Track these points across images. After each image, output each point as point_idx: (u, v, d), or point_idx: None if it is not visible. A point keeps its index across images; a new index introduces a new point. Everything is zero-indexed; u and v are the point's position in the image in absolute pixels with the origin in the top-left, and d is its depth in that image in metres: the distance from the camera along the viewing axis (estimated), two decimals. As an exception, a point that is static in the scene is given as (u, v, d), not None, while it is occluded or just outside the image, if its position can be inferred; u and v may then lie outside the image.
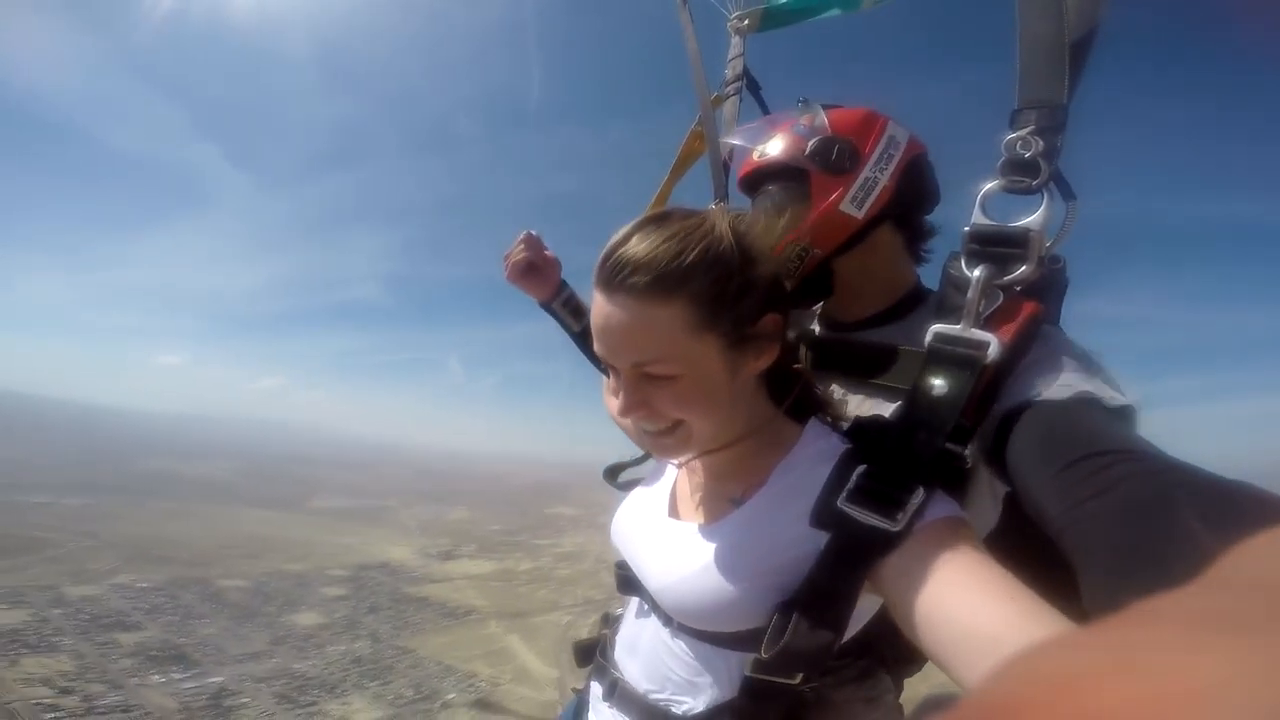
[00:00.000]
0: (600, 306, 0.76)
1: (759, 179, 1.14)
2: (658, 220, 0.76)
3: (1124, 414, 0.72)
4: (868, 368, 0.97)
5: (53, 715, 28.86)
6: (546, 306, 1.40)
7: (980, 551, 0.64)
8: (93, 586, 53.15)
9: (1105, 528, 0.55)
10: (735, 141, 1.26)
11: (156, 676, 35.88)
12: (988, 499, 0.90)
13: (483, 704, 39.72)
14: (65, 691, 31.62)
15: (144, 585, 55.65)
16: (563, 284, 1.39)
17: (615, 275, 0.73)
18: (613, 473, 1.22)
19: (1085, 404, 0.71)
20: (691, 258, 0.71)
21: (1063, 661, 0.18)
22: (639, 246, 0.73)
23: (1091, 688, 0.16)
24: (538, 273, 1.35)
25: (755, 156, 1.12)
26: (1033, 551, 0.64)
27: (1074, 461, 0.63)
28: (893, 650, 0.91)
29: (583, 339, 1.35)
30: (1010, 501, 0.87)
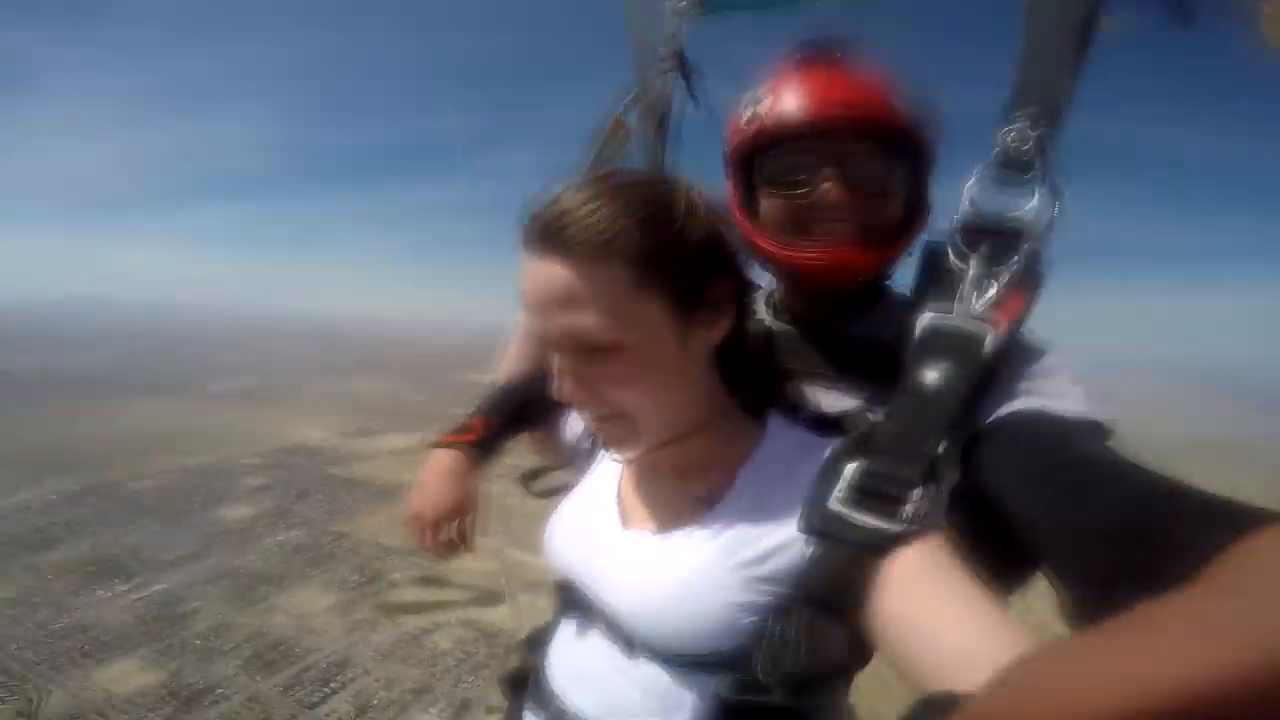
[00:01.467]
0: (529, 270, 0.66)
1: (861, 130, 0.80)
2: (596, 179, 0.67)
3: (1106, 428, 0.64)
4: (841, 360, 0.88)
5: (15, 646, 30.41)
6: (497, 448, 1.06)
7: (962, 562, 0.58)
8: (-4, 506, 51.56)
9: (1093, 543, 0.51)
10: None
11: (101, 592, 36.49)
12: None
13: (427, 580, 42.28)
14: (14, 621, 33.10)
15: (53, 498, 54.11)
16: (486, 451, 1.02)
17: (546, 233, 0.63)
18: (530, 478, 1.03)
19: (1079, 419, 0.64)
20: (635, 213, 0.62)
21: (1061, 671, 0.18)
22: (575, 201, 0.63)
23: (1089, 698, 0.16)
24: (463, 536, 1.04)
25: (888, 104, 0.81)
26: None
27: (1059, 471, 0.57)
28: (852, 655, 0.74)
29: (525, 414, 1.00)
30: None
